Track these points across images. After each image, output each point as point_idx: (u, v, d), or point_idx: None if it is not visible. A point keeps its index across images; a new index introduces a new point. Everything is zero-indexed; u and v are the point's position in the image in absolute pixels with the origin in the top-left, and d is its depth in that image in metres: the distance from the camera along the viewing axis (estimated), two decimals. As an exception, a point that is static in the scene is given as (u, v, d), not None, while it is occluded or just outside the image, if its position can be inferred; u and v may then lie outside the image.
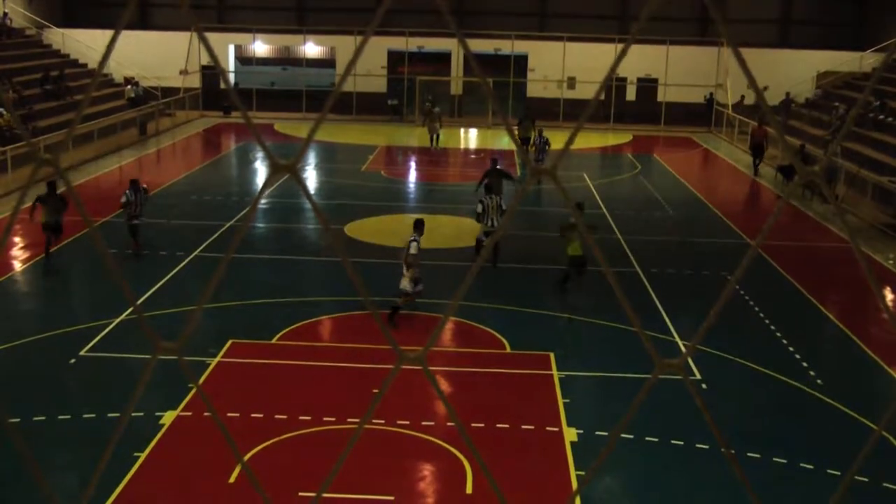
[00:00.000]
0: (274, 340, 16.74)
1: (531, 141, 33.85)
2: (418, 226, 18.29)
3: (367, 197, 29.32)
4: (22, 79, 38.94)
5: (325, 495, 11.67)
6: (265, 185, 1.72)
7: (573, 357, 16.40)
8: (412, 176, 36.18)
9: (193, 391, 14.49)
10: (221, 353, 16.05)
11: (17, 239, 24.17)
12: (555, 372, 15.68)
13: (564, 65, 47.65)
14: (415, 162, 38.70)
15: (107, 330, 17.00)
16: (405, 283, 17.49)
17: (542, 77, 48.90)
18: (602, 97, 47.79)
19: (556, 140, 41.93)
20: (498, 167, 26.03)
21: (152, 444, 12.93)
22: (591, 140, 42.90)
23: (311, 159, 37.56)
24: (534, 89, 49.19)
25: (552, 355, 16.36)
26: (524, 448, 13.22)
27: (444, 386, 15.41)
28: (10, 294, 20.07)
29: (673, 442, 13.37)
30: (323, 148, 40.24)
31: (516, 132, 35.08)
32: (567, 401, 14.58)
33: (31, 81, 39.55)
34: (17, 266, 21.80)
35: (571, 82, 48.09)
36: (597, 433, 13.58)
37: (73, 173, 32.38)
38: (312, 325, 17.79)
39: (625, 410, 14.38)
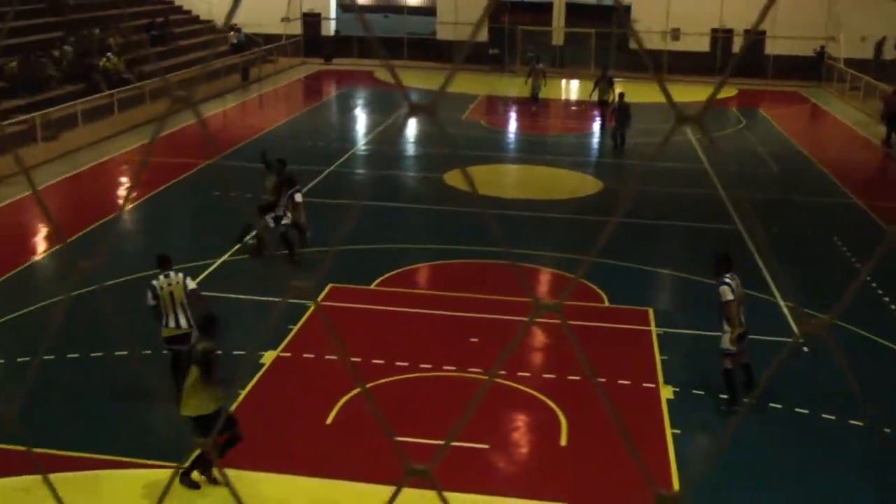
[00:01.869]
0: (373, 286, 16.89)
1: (609, 104, 31.82)
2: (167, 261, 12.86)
3: (467, 146, 29.24)
4: (129, 24, 39.66)
5: (421, 440, 11.80)
6: (394, 125, 1.69)
7: (673, 313, 16.21)
8: (512, 126, 35.97)
9: (293, 332, 14.74)
10: (321, 296, 16.25)
11: (123, 179, 24.77)
12: (653, 328, 15.53)
13: (669, 15, 46.63)
14: (515, 112, 38.43)
15: (212, 268, 17.37)
16: None
17: (646, 28, 47.98)
18: (707, 49, 46.74)
19: (660, 93, 41.22)
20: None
21: (252, 382, 13.19)
22: (695, 94, 41.95)
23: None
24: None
25: (651, 311, 16.19)
26: (619, 403, 13.14)
27: (541, 338, 15.39)
28: (120, 231, 20.58)
29: (771, 405, 13.15)
30: (423, 96, 40.20)
31: (592, 95, 33.57)
32: (665, 358, 14.44)
33: (138, 27, 40.27)
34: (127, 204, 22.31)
35: (675, 33, 47.05)
36: (693, 392, 13.42)
37: (178, 117, 32.94)
38: (411, 272, 17.90)
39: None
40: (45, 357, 13.60)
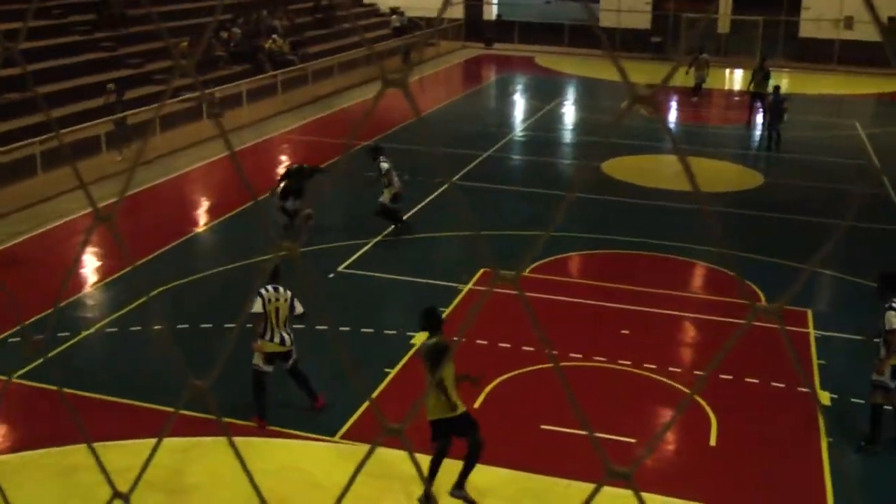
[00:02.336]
0: (526, 273, 16.86)
1: (766, 97, 29.76)
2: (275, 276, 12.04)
3: (626, 135, 28.83)
4: (295, 7, 40.62)
5: (567, 430, 11.75)
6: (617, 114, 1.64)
7: (834, 316, 15.64)
8: (672, 115, 35.28)
9: (445, 315, 14.83)
10: (473, 280, 16.33)
11: (282, 157, 25.41)
12: (811, 330, 15.02)
13: (842, 3, 44.84)
14: (676, 101, 37.67)
15: (364, 249, 17.66)
16: None
17: (817, 16, 46.27)
18: (879, 38, 44.70)
19: (830, 84, 39.84)
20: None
21: (402, 362, 13.36)
22: (865, 85, 40.37)
23: (570, 95, 37.32)
24: (807, 28, 46.61)
25: (810, 312, 15.66)
26: (772, 406, 12.77)
27: (692, 333, 15.10)
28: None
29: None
30: (583, 83, 39.90)
31: (750, 87, 32.11)
32: (822, 362, 13.94)
33: (303, 10, 41.18)
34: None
35: (849, 22, 45.21)
36: (852, 400, 12.89)
37: (338, 98, 33.59)
38: (565, 260, 17.79)
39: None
40: (203, 325, 14.09)
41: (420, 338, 14.00)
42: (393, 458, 10.07)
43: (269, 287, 11.70)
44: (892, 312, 11.21)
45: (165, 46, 30.26)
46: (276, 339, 11.72)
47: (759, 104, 30.68)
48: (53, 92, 24.80)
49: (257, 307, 11.55)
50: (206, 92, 27.01)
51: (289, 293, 11.82)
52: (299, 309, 11.84)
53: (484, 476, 10.57)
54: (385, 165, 18.40)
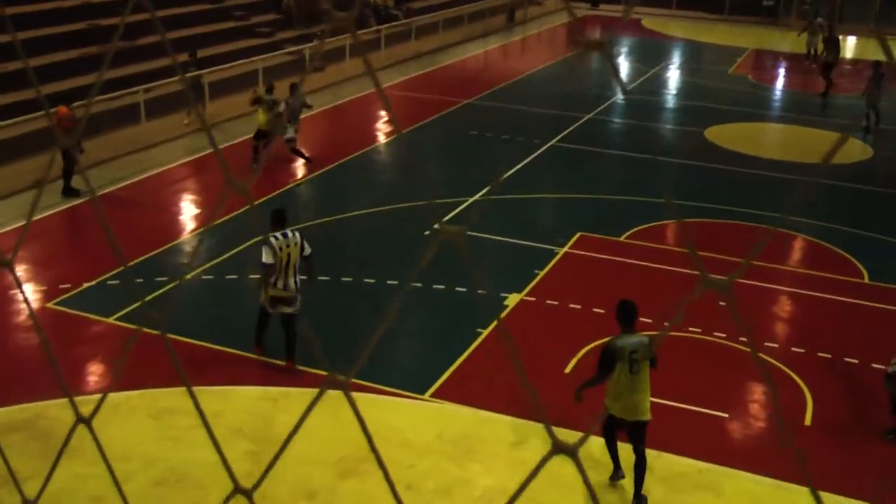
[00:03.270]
0: (622, 238, 16.64)
1: (832, 66, 28.82)
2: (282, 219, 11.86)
3: (732, 101, 28.19)
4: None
5: (657, 400, 11.57)
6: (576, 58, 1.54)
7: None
8: (780, 83, 34.37)
9: (539, 277, 14.78)
10: (569, 244, 16.18)
11: (382, 112, 25.44)
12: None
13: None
14: (785, 68, 36.68)
15: (461, 207, 17.61)
16: None
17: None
18: None
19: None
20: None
21: (494, 323, 13.32)
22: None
23: (676, 58, 36.59)
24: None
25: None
26: (870, 388, 12.40)
27: (789, 308, 14.74)
28: (377, 164, 21.21)
29: None
30: (689, 47, 39.07)
31: (821, 50, 30.71)
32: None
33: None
34: (382, 139, 22.96)
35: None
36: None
37: (443, 54, 33.48)
38: (662, 227, 17.50)
39: None
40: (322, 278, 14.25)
41: (513, 299, 13.93)
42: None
43: (279, 234, 11.58)
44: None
45: (271, 0, 30.50)
46: (280, 285, 11.63)
47: (826, 74, 29.50)
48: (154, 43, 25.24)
49: (268, 258, 11.49)
50: (311, 45, 27.11)
51: (298, 236, 11.76)
52: (308, 250, 11.75)
53: (569, 439, 10.47)
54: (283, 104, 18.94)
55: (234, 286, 14.28)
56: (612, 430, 9.81)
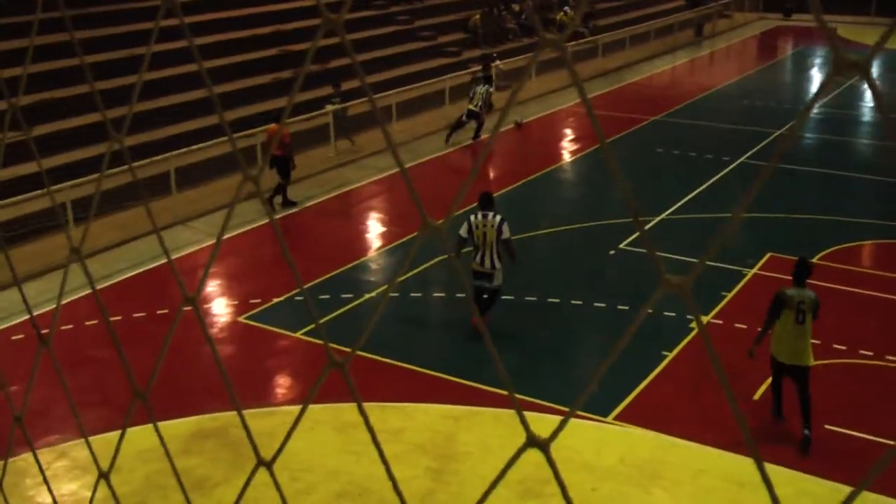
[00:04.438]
0: (816, 259, 15.96)
1: None
2: (491, 202, 13.23)
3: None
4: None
5: (853, 433, 11.04)
6: (823, 88, 1.42)
7: None
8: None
9: (727, 299, 14.35)
10: (759, 265, 15.65)
11: (568, 130, 25.33)
12: None
13: None
14: None
15: (647, 227, 17.30)
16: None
17: None
18: None
19: None
20: None
21: (680, 346, 13.00)
22: None
23: (875, 69, 34.98)
24: None
25: None
26: None
27: None
28: (562, 182, 21.12)
29: None
30: (891, 56, 37.31)
31: None
32: None
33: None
34: (567, 157, 22.85)
35: None
36: None
37: (629, 71, 33.11)
38: (856, 248, 16.71)
39: None
40: (506, 297, 14.28)
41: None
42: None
43: (479, 214, 12.89)
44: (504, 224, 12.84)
45: (458, 20, 30.91)
46: (478, 259, 12.94)
47: None
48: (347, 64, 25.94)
49: (463, 231, 12.90)
50: (494, 64, 27.28)
51: (497, 218, 12.90)
52: (506, 234, 12.86)
53: (755, 470, 10.09)
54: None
55: (419, 304, 14.45)
56: (777, 374, 10.91)
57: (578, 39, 33.46)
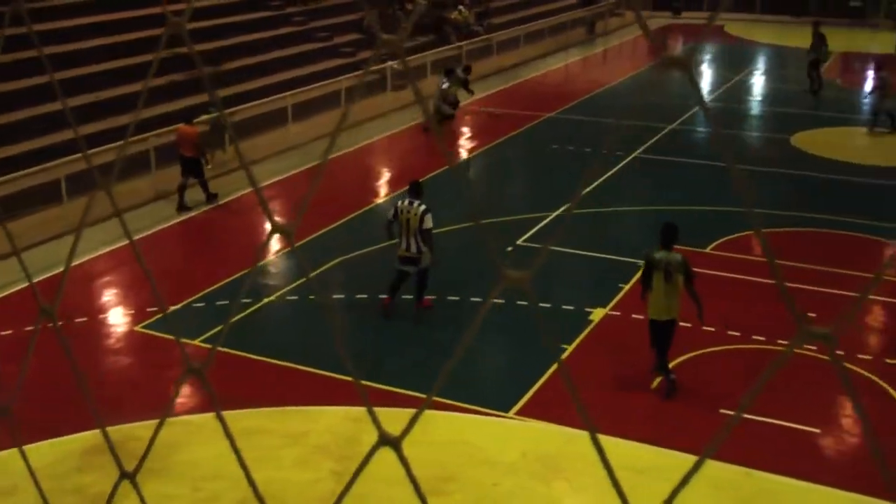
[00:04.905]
0: (708, 249, 16.37)
1: (818, 65, 28.02)
2: (419, 191, 13.85)
3: (819, 106, 27.61)
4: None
5: (747, 415, 11.33)
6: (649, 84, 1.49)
7: None
8: (869, 86, 33.53)
9: (624, 291, 14.60)
10: (653, 257, 15.95)
11: (465, 129, 25.47)
12: None
13: None
14: (874, 70, 35.75)
15: (544, 223, 17.51)
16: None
17: None
18: None
19: None
20: None
21: (578, 339, 13.20)
22: None
23: (761, 64, 35.99)
24: None
25: None
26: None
27: (882, 319, 14.31)
28: (457, 182, 21.23)
29: None
30: (770, 52, 38.38)
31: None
32: None
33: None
34: (464, 155, 22.98)
35: None
36: None
37: (524, 68, 33.44)
38: (749, 237, 17.17)
39: None
40: (382, 296, 14.30)
41: (598, 314, 13.80)
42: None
43: (406, 200, 13.58)
44: (427, 215, 13.42)
45: (353, 20, 30.81)
46: (403, 245, 13.60)
47: (811, 72, 28.69)
48: (246, 66, 25.72)
49: (390, 215, 13.79)
50: (387, 65, 27.31)
51: (422, 208, 13.43)
52: (427, 224, 13.43)
53: (657, 456, 10.34)
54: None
55: (319, 307, 14.39)
56: (653, 333, 11.80)
57: (474, 38, 33.67)
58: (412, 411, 11.03)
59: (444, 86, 24.13)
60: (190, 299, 14.33)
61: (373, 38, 30.63)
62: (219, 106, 21.31)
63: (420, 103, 1.34)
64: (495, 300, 14.08)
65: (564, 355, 12.67)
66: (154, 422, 10.88)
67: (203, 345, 12.96)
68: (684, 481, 1.21)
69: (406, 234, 13.54)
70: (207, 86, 19.93)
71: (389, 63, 27.58)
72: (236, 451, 1.43)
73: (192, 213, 18.41)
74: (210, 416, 11.09)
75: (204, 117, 20.74)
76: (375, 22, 1.37)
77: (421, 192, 13.67)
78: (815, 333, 1.17)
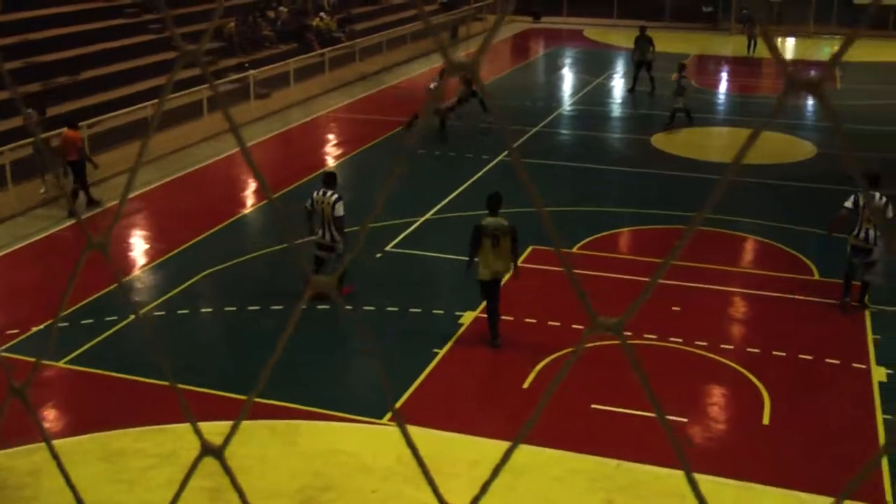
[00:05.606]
0: (574, 249, 16.68)
1: (649, 66, 29.10)
2: (332, 180, 14.56)
3: (665, 106, 28.38)
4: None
5: (617, 409, 11.62)
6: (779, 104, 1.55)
7: (889, 289, 15.26)
8: (724, 86, 34.77)
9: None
10: (522, 258, 16.15)
11: (331, 136, 25.39)
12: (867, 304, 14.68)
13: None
14: (728, 72, 37.12)
15: (412, 228, 17.57)
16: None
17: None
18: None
19: (886, 51, 38.85)
20: None
21: (451, 342, 13.29)
22: (873, 53, 39.35)
23: (619, 67, 36.87)
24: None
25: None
26: (826, 383, 12.53)
27: (743, 309, 14.84)
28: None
29: None
30: (627, 56, 39.32)
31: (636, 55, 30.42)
32: (878, 337, 13.63)
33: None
34: (330, 161, 22.90)
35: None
36: (910, 375, 12.63)
37: (387, 74, 33.49)
38: (613, 236, 17.58)
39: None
40: (251, 307, 14.14)
41: (468, 317, 13.92)
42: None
43: (320, 191, 14.14)
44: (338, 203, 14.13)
45: (214, 28, 30.32)
46: (319, 233, 14.21)
47: (637, 72, 29.78)
48: (102, 75, 25.06)
49: (308, 204, 14.22)
50: (250, 73, 26.99)
51: (333, 197, 14.01)
52: (339, 212, 13.96)
53: (533, 455, 10.48)
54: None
55: (186, 320, 14.12)
56: (484, 295, 12.98)
57: (335, 45, 33.56)
58: (277, 422, 10.93)
59: (432, 86, 23.80)
60: (51, 320, 13.87)
61: (233, 47, 30.26)
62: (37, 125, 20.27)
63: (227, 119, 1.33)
64: (366, 307, 14.08)
65: (436, 360, 12.73)
66: (15, 450, 10.51)
67: (68, 366, 12.56)
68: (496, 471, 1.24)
69: (322, 222, 14.13)
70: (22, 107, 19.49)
71: (251, 72, 27.29)
72: (72, 487, 1.40)
73: (55, 230, 17.74)
74: (74, 440, 10.77)
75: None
76: (172, 27, 1.35)
77: (333, 181, 14.33)
78: (606, 325, 1.24)
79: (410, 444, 1.27)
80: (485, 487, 1.25)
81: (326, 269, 14.08)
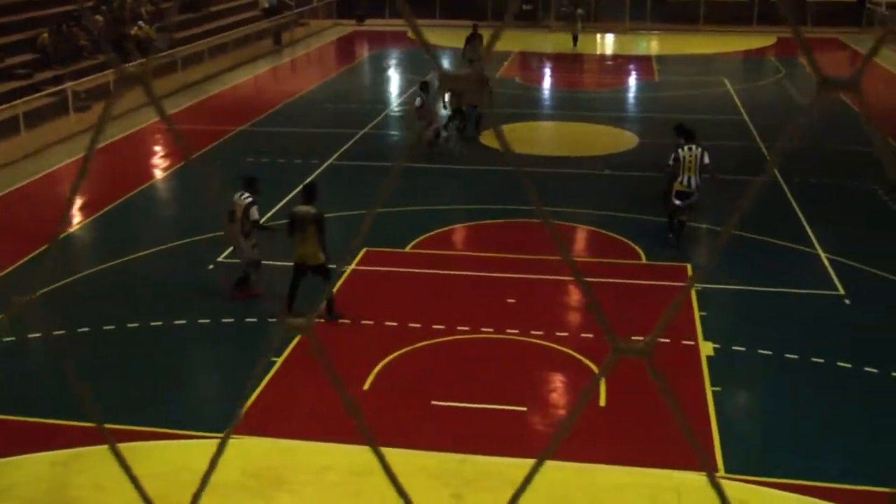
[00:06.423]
0: (407, 249, 16.78)
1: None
2: (251, 184, 14.69)
3: (502, 104, 28.91)
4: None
5: (458, 404, 11.74)
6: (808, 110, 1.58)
7: (712, 268, 15.93)
8: (547, 82, 35.60)
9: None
10: (356, 260, 16.17)
11: (157, 147, 24.79)
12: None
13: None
14: (550, 68, 38.02)
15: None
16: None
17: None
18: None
19: (698, 44, 40.60)
20: None
21: (289, 348, 13.15)
22: (731, 44, 41.35)
23: (446, 66, 37.26)
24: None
25: (689, 266, 15.97)
26: (658, 361, 12.94)
27: (576, 297, 15.23)
28: (151, 201, 20.62)
29: (813, 360, 12.94)
30: (455, 54, 39.84)
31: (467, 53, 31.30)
32: (704, 314, 14.22)
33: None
34: (158, 174, 22.37)
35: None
36: (734, 348, 13.23)
37: (211, 83, 32.92)
38: (446, 233, 17.76)
39: (764, 326, 13.98)
40: (80, 329, 13.67)
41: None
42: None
43: (238, 194, 14.32)
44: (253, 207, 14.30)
45: (25, 39, 29.16)
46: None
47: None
48: None
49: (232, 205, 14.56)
50: (68, 85, 26.07)
51: (246, 201, 14.21)
52: (254, 216, 14.22)
53: (373, 456, 10.46)
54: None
55: (14, 349, 13.52)
56: (294, 276, 13.67)
57: (155, 54, 32.74)
58: (131, 445, 10.60)
59: (417, 103, 22.74)
60: None
61: (48, 58, 29.15)
62: None
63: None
64: (201, 320, 13.80)
65: (274, 369, 12.57)
66: None
67: None
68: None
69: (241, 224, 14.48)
70: None
71: (69, 84, 26.37)
72: None
73: None
74: None
75: None
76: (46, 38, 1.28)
77: (252, 184, 14.46)
78: (634, 350, 1.26)
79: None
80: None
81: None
